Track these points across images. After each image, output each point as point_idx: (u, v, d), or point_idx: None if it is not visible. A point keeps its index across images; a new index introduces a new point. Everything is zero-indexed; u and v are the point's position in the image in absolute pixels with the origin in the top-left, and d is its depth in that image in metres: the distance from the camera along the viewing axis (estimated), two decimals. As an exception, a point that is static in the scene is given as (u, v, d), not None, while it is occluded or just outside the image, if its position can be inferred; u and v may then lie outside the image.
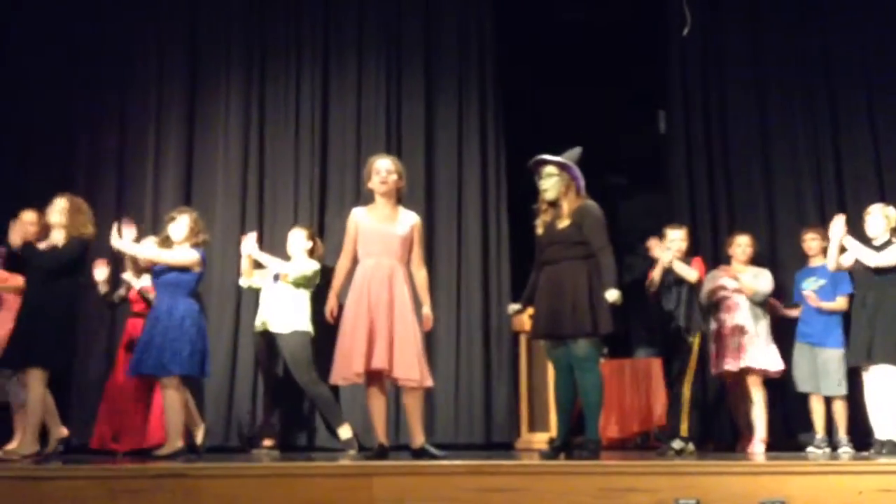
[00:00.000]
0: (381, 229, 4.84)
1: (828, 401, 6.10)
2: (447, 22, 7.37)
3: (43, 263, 5.05)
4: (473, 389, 6.83)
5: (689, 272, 5.89)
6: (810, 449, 5.97)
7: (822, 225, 6.35)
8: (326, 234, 6.85)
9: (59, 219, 5.17)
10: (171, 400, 5.12)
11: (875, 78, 7.10)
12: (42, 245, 5.21)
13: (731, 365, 6.13)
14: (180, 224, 5.34)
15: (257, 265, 6.36)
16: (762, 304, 6.26)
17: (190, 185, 7.00)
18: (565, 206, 4.92)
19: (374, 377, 4.73)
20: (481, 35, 7.38)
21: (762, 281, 6.28)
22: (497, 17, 7.43)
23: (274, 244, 6.80)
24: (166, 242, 5.36)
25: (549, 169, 5.00)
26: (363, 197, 6.89)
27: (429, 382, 4.87)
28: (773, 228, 7.02)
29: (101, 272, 6.06)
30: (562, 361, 4.92)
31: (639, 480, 3.79)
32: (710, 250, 7.01)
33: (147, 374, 5.27)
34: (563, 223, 4.91)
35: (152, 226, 6.77)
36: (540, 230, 5.05)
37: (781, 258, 6.87)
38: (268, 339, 6.27)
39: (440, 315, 6.82)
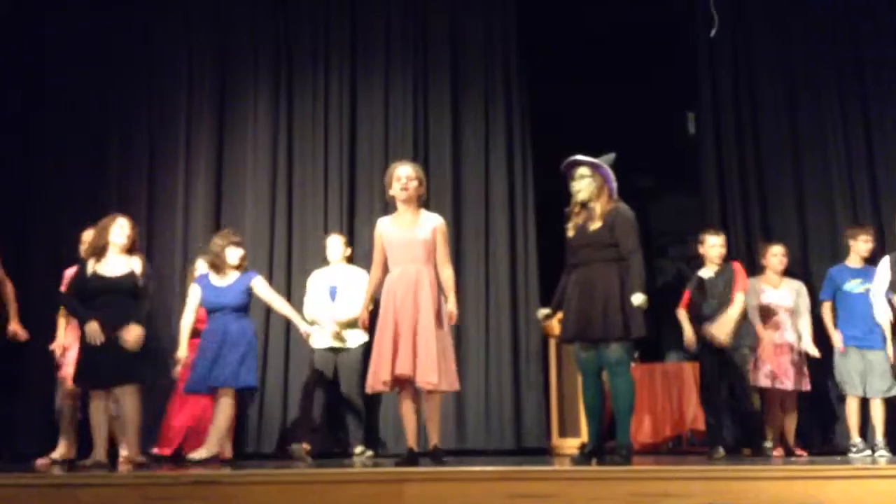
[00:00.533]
0: (404, 236, 4.86)
1: (863, 404, 6.02)
2: (473, 27, 7.38)
3: (129, 286, 5.17)
4: (503, 395, 6.82)
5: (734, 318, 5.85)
6: (851, 454, 5.90)
7: (872, 224, 6.42)
8: (356, 240, 6.88)
9: (123, 240, 5.26)
10: (229, 408, 5.47)
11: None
12: (106, 264, 5.25)
13: (780, 383, 6.07)
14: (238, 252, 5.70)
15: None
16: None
17: (220, 195, 7.07)
18: (598, 209, 4.89)
19: (403, 384, 4.75)
20: (507, 40, 7.38)
21: (805, 300, 6.27)
22: (522, 22, 7.43)
23: (305, 252, 6.86)
24: (219, 263, 5.65)
25: (582, 170, 4.97)
26: (392, 203, 6.95)
27: (454, 386, 4.86)
28: (805, 231, 6.93)
29: None
30: (591, 365, 4.89)
31: (672, 485, 3.75)
32: (742, 252, 6.95)
33: (216, 388, 5.50)
34: (595, 225, 4.87)
35: (183, 236, 6.86)
36: (571, 232, 5.02)
37: (814, 261, 6.79)
38: (328, 354, 6.27)
39: (469, 321, 6.84)
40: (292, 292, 6.74)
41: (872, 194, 6.87)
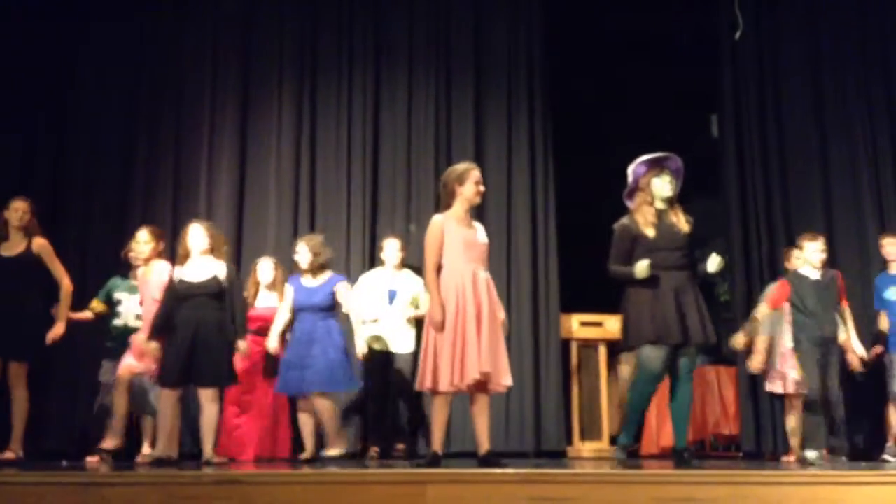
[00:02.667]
0: (470, 237, 4.74)
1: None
2: (497, 30, 7.39)
3: (211, 290, 5.32)
4: (524, 397, 6.81)
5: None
6: (886, 457, 5.84)
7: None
8: (377, 242, 6.89)
9: (204, 245, 5.39)
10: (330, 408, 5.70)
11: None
12: (189, 269, 5.37)
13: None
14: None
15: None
16: None
17: (243, 199, 7.09)
18: (680, 213, 4.92)
19: (473, 385, 4.61)
20: (530, 42, 7.38)
21: None
22: (546, 25, 7.43)
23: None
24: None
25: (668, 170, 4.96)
26: (416, 207, 6.98)
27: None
28: (831, 235, 6.87)
29: None
30: (654, 366, 4.81)
31: (696, 490, 3.73)
32: (765, 257, 6.91)
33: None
34: (685, 230, 4.89)
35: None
36: (651, 232, 4.87)
37: (842, 264, 6.73)
38: (383, 358, 6.24)
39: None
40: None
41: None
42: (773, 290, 5.90)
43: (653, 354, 4.79)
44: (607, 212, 7.96)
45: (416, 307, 6.21)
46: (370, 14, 7.36)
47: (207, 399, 5.27)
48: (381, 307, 6.22)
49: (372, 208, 7.07)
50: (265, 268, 6.19)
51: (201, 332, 5.21)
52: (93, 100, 7.18)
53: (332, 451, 5.69)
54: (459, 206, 4.76)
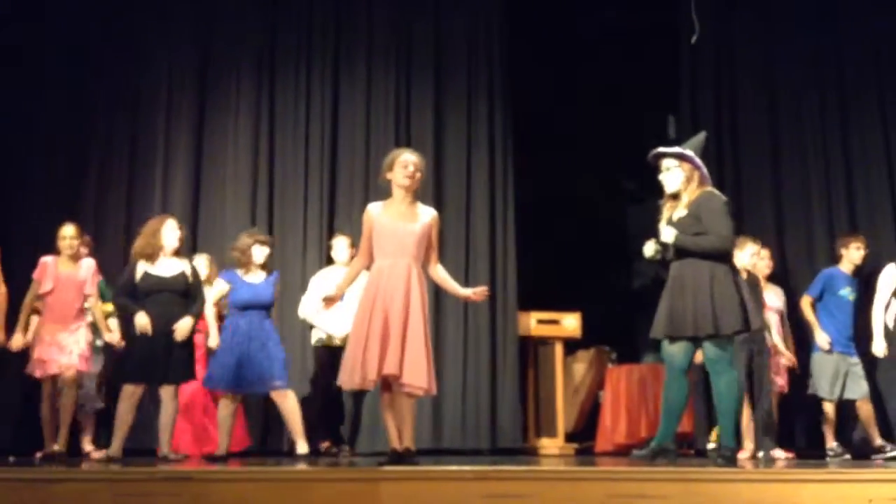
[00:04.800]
0: (399, 227, 4.53)
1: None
2: (457, 26, 7.39)
3: (182, 285, 5.40)
4: (480, 395, 6.83)
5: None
6: (829, 458, 6.01)
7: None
8: (335, 238, 6.85)
9: (175, 243, 5.45)
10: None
11: (887, 83, 7.07)
12: (158, 265, 5.38)
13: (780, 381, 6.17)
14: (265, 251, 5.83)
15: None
16: None
17: (198, 194, 7.00)
18: (686, 198, 4.66)
19: (387, 383, 4.50)
20: (490, 40, 7.39)
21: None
22: (507, 22, 7.44)
23: (284, 251, 6.81)
24: (246, 261, 5.75)
25: (667, 162, 4.73)
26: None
27: (433, 391, 4.57)
28: (782, 235, 7.01)
29: None
30: (675, 362, 4.67)
31: (649, 486, 3.76)
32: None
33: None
34: (680, 214, 4.65)
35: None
36: (662, 225, 4.72)
37: (790, 262, 6.86)
38: (331, 352, 6.17)
39: (447, 321, 6.84)
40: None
41: (849, 196, 6.97)
42: None
43: (663, 347, 4.74)
44: (566, 209, 8.07)
45: None
46: (330, 7, 7.30)
47: (170, 396, 5.28)
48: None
49: (329, 204, 7.02)
50: (200, 265, 6.09)
51: (169, 330, 5.21)
52: (46, 91, 7.01)
53: (304, 449, 5.64)
54: (395, 194, 4.60)
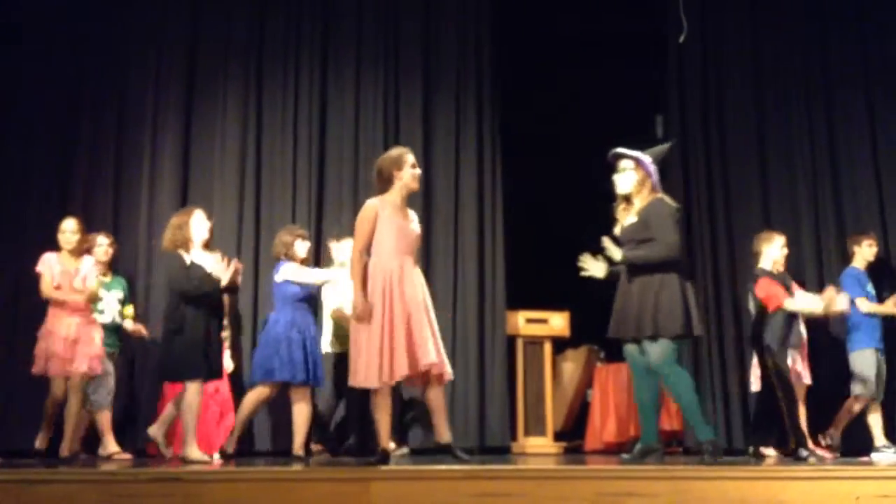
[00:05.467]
0: (405, 226, 4.56)
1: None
2: (445, 28, 7.39)
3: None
4: (469, 393, 6.83)
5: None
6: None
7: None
8: (323, 239, 6.85)
9: (206, 234, 5.41)
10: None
11: (873, 80, 7.11)
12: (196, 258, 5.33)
13: (806, 378, 6.14)
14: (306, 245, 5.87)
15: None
16: None
17: (186, 192, 6.95)
18: (636, 203, 4.78)
19: (408, 379, 4.53)
20: (479, 40, 7.39)
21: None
22: (495, 23, 7.44)
23: (271, 252, 6.80)
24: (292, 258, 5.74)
25: (624, 163, 4.83)
26: (361, 205, 6.87)
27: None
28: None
29: None
30: (636, 362, 4.80)
31: (637, 485, 3.77)
32: (708, 256, 7.03)
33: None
34: (630, 220, 4.78)
35: (147, 235, 6.73)
36: (617, 229, 4.87)
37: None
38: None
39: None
40: (259, 287, 6.71)
41: (836, 196, 7.00)
42: (766, 288, 5.82)
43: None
44: (554, 210, 8.07)
45: None
46: (318, 7, 7.28)
47: (198, 393, 5.16)
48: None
49: (318, 205, 7.01)
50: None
51: (213, 326, 5.20)
52: (30, 90, 6.97)
53: (300, 452, 5.60)
54: (397, 193, 4.58)
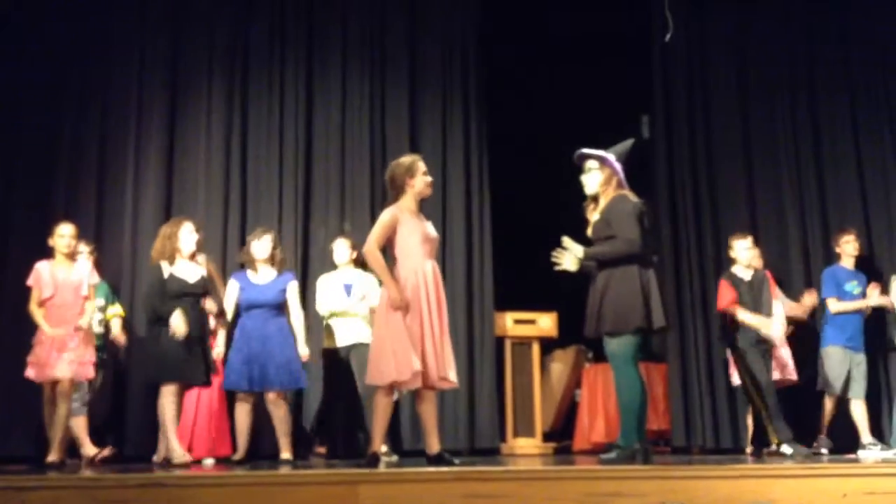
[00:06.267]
0: (425, 231, 4.65)
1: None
2: (432, 29, 7.39)
3: (200, 291, 5.44)
4: (458, 394, 6.81)
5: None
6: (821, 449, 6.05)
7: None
8: (311, 242, 6.83)
9: (193, 246, 5.43)
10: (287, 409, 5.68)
11: (858, 83, 7.17)
12: (178, 268, 5.38)
13: (789, 374, 6.19)
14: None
15: None
16: None
17: (170, 195, 6.89)
18: (602, 202, 4.78)
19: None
20: (466, 42, 7.40)
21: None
22: (481, 24, 7.45)
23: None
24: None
25: (589, 163, 4.83)
26: (350, 205, 6.93)
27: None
28: (756, 230, 7.06)
29: None
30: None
31: (624, 485, 3.77)
32: (694, 254, 7.05)
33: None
34: (595, 219, 4.77)
35: (132, 240, 6.68)
36: (589, 230, 4.85)
37: (763, 259, 6.90)
38: (332, 355, 6.26)
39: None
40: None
41: (821, 196, 7.04)
42: (720, 290, 6.02)
43: None
44: (541, 211, 8.07)
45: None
46: (303, 8, 7.26)
47: (170, 394, 5.24)
48: (341, 301, 6.18)
49: (304, 206, 6.98)
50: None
51: (194, 332, 5.24)
52: (13, 90, 6.90)
53: (288, 454, 5.61)
54: (411, 200, 4.68)
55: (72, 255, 5.56)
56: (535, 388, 7.20)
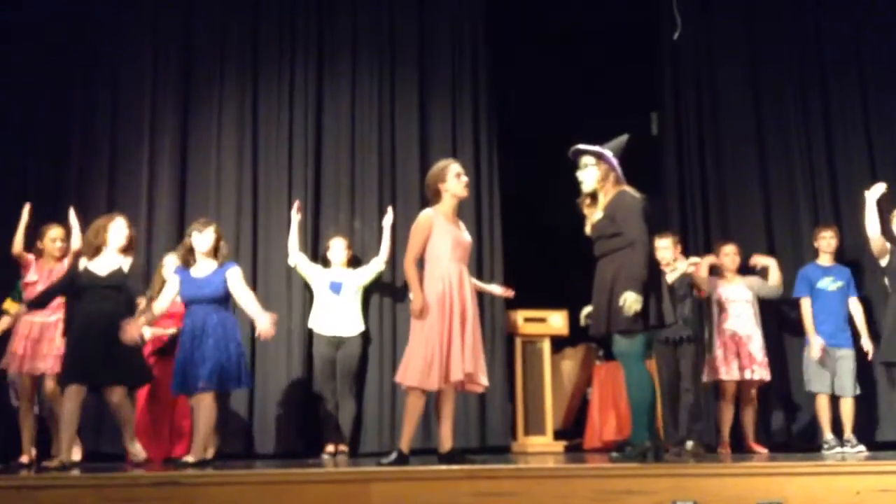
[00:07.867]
0: (458, 235, 4.75)
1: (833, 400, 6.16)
2: (440, 26, 7.38)
3: (117, 283, 5.23)
4: (468, 394, 6.80)
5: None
6: (824, 451, 6.01)
7: (833, 223, 6.62)
8: (321, 239, 6.84)
9: (122, 241, 5.32)
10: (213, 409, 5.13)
11: (869, 77, 7.12)
12: (98, 262, 5.28)
13: (750, 373, 6.17)
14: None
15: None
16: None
17: (184, 194, 6.93)
18: (601, 198, 4.71)
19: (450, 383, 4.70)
20: (475, 39, 7.39)
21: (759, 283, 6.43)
22: (490, 19, 7.44)
23: (269, 250, 6.80)
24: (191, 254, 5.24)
25: (586, 159, 4.77)
26: (360, 204, 6.95)
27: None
28: (770, 230, 7.05)
29: None
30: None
31: (636, 482, 3.78)
32: (703, 251, 7.02)
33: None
34: (597, 216, 4.70)
35: (146, 237, 6.72)
36: (588, 228, 4.79)
37: (777, 256, 6.89)
38: (330, 354, 6.37)
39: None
40: (258, 288, 6.69)
41: (833, 193, 7.02)
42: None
43: None
44: (551, 209, 8.06)
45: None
46: (313, 5, 7.27)
47: (121, 397, 5.17)
48: (326, 299, 6.24)
49: (314, 204, 6.99)
50: (169, 264, 5.92)
51: (110, 328, 4.97)
52: (25, 90, 6.94)
53: (192, 458, 4.97)
54: (447, 203, 4.79)
55: (61, 258, 5.70)
56: (546, 386, 7.18)
